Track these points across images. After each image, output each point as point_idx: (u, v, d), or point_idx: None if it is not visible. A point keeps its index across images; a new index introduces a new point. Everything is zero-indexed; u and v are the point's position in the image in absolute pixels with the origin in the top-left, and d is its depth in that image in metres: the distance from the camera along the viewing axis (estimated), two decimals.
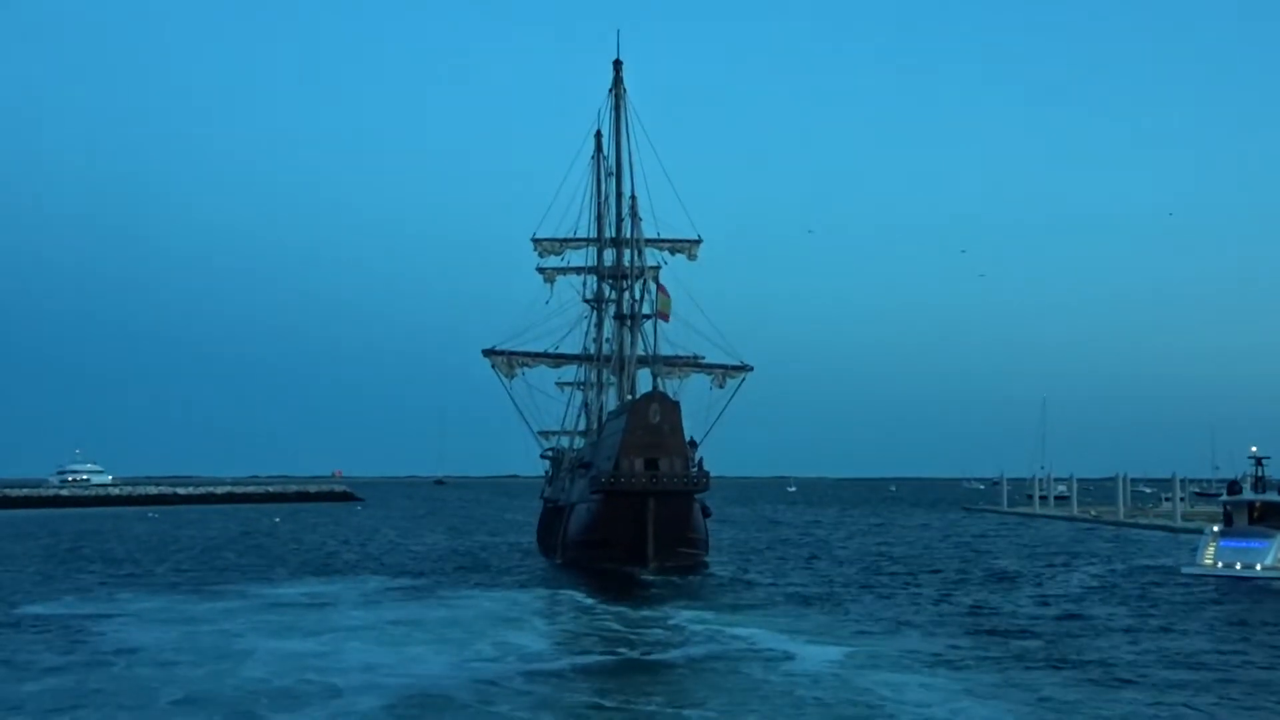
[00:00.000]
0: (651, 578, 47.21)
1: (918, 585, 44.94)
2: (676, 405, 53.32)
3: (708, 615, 35.14)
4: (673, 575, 47.86)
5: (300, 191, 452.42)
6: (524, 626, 33.73)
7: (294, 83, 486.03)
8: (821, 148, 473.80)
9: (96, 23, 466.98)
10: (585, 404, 73.86)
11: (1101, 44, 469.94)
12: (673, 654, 28.35)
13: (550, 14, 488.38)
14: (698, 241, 64.49)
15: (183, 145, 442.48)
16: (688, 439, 53.89)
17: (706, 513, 57.93)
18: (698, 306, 62.56)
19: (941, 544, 71.26)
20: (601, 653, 28.78)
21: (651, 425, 50.64)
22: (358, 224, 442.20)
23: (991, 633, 31.79)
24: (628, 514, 50.06)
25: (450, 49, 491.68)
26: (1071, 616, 35.15)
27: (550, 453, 76.76)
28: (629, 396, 59.40)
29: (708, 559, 55.89)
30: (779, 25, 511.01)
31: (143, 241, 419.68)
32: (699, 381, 65.61)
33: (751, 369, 65.69)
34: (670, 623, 33.66)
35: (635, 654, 28.53)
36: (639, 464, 50.35)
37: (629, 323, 62.68)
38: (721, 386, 65.19)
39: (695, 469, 52.99)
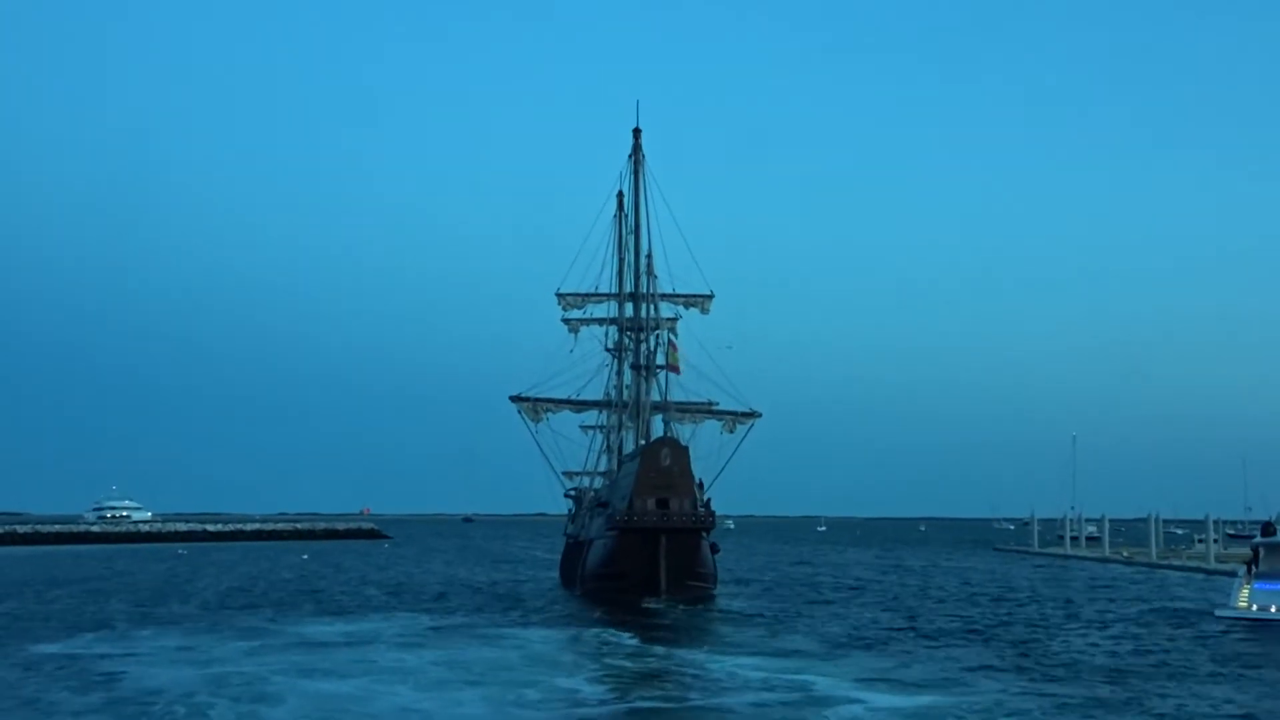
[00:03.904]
0: (680, 608, 49.12)
1: (969, 629, 43.32)
2: (686, 450, 57.59)
3: (759, 659, 33.75)
4: (682, 605, 50.99)
5: (329, 237, 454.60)
6: (568, 668, 32.53)
7: (332, 138, 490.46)
8: (841, 190, 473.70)
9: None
10: (607, 446, 76.57)
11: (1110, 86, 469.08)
12: (730, 699, 26.92)
13: (575, 78, 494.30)
14: (710, 296, 68.92)
15: (208, 204, 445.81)
16: (697, 481, 57.83)
17: (715, 549, 60.74)
18: (710, 357, 67.01)
19: (982, 586, 69.70)
20: (655, 697, 27.45)
21: (662, 468, 54.68)
22: (387, 268, 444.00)
23: (1053, 679, 30.29)
24: (641, 549, 54.02)
25: (477, 110, 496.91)
26: (1125, 666, 33.23)
27: (573, 492, 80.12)
28: (643, 441, 63.30)
29: (716, 592, 59.00)
30: (791, 73, 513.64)
31: (180, 283, 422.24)
32: (712, 427, 69.43)
33: (760, 415, 69.25)
34: (720, 666, 32.32)
35: (695, 698, 27.22)
36: (651, 503, 54.28)
37: (644, 372, 66.98)
38: (732, 432, 68.82)
39: (703, 508, 56.92)
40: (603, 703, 26.92)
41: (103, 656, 34.35)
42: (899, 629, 43.34)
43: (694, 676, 30.74)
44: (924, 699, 27.16)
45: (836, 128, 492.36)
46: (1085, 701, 26.88)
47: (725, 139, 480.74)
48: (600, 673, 31.83)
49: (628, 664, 33.38)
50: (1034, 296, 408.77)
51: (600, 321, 72.38)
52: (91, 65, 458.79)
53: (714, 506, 59.65)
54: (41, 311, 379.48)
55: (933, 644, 38.37)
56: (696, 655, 34.72)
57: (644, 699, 27.30)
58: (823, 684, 29.22)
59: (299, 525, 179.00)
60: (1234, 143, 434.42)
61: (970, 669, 32.25)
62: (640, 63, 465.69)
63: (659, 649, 36.37)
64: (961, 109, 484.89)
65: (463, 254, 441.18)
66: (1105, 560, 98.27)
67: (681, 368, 65.48)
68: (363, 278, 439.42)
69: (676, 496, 54.57)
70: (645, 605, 51.07)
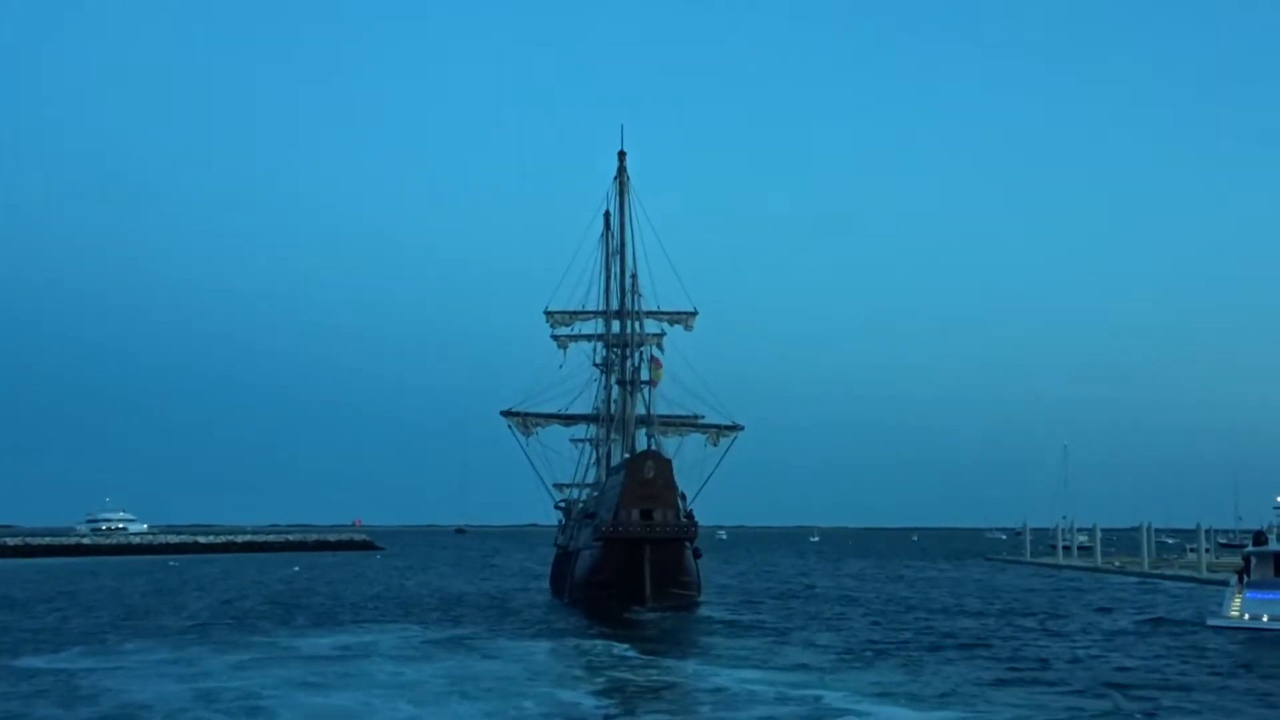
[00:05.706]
0: (670, 617, 49.13)
1: (969, 641, 42.69)
2: (668, 462, 58.87)
3: (764, 673, 33.13)
4: (669, 614, 51.59)
5: (322, 255, 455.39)
6: (568, 680, 31.92)
7: (325, 160, 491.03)
8: (828, 206, 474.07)
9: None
10: (596, 459, 77.81)
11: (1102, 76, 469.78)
12: (742, 714, 26.30)
13: (564, 100, 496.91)
14: (693, 313, 70.30)
15: (201, 220, 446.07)
16: (679, 492, 58.97)
17: (697, 554, 61.22)
18: (694, 372, 69.23)
19: (976, 596, 69.39)
20: (661, 711, 26.82)
21: (646, 480, 55.87)
22: (381, 285, 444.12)
23: (1059, 691, 29.82)
24: (627, 558, 54.96)
25: (469, 133, 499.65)
26: (1126, 677, 32.75)
27: (563, 503, 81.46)
28: (628, 454, 63.93)
29: (700, 599, 59.84)
30: (770, 73, 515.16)
31: (177, 293, 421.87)
32: (697, 440, 71.14)
33: (743, 428, 70.47)
34: (724, 679, 31.65)
35: (705, 711, 26.64)
36: (636, 514, 55.43)
37: (629, 387, 68.33)
38: (715, 444, 70.07)
39: (685, 519, 58.10)
40: (608, 717, 26.33)
41: (90, 671, 33.57)
42: (899, 640, 42.74)
43: (699, 690, 30.13)
44: (940, 714, 26.52)
45: (823, 145, 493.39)
46: (1098, 714, 26.52)
47: (713, 154, 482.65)
48: (601, 685, 31.20)
49: (629, 676, 32.78)
50: (1024, 308, 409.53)
51: (588, 338, 73.85)
52: (72, 72, 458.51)
53: (705, 518, 61.19)
54: (35, 324, 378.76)
55: (936, 656, 37.83)
56: (698, 667, 34.16)
57: (649, 713, 26.68)
58: (832, 698, 28.45)
59: (290, 537, 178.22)
60: (1226, 158, 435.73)
61: (977, 681, 31.76)
62: (627, 84, 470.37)
63: (658, 660, 35.80)
64: (950, 125, 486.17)
65: (455, 272, 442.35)
66: (1097, 570, 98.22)
67: (664, 381, 67.33)
68: (356, 295, 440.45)
69: (660, 507, 55.74)
70: (632, 615, 51.16)
